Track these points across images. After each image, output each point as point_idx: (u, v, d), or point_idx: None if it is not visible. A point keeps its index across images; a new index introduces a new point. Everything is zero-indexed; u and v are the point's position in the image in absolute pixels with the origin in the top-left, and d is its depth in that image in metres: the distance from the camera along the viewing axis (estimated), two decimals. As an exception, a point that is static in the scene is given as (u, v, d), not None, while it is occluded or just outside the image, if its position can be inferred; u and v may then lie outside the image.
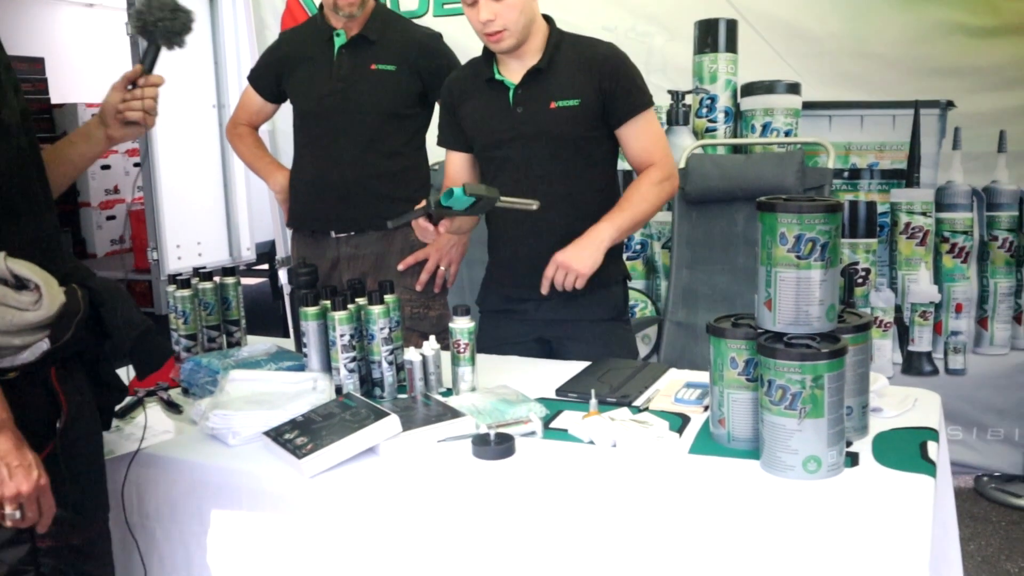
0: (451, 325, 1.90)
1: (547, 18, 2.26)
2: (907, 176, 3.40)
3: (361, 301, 1.90)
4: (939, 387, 1.90)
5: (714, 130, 3.59)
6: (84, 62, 8.05)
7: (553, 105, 2.19)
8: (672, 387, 1.89)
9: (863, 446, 1.57)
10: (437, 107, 2.49)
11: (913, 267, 3.45)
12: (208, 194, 5.66)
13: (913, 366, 3.51)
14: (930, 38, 3.25)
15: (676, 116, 3.64)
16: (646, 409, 1.79)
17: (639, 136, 2.23)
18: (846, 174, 3.45)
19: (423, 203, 1.95)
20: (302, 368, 1.97)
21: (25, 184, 1.42)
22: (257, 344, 2.16)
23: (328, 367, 1.90)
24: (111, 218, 6.94)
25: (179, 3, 1.66)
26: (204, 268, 2.23)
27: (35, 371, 1.33)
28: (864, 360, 1.60)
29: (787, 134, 3.46)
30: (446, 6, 3.69)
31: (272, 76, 2.73)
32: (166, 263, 5.36)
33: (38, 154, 1.47)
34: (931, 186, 3.38)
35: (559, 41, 2.23)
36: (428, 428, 1.65)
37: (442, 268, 2.62)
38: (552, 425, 1.72)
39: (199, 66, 5.50)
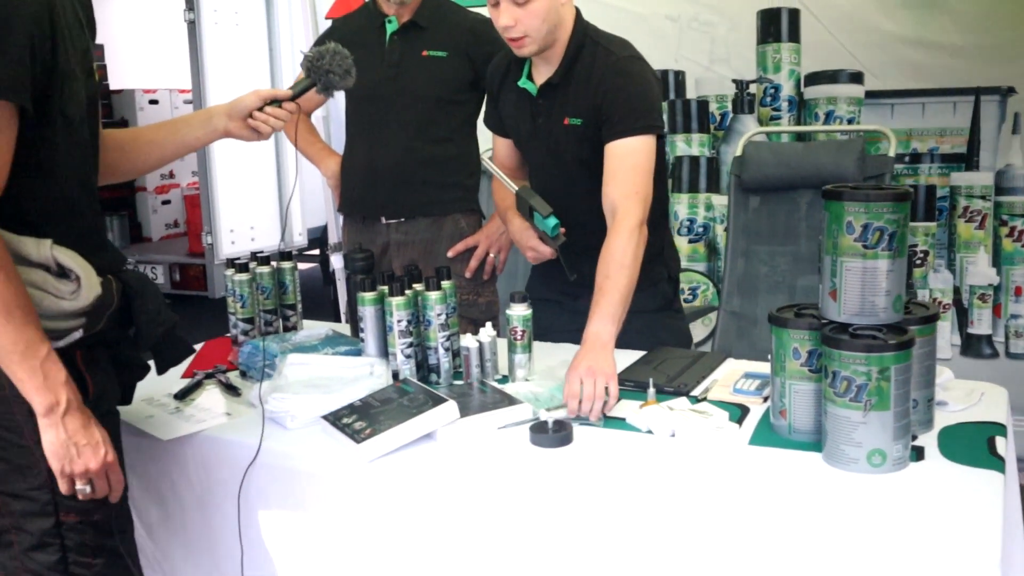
0: (508, 312, 1.90)
1: (576, 11, 2.12)
2: (967, 160, 3.38)
3: (418, 287, 1.90)
4: (1000, 371, 1.87)
5: (778, 118, 3.58)
6: (141, 49, 8.19)
7: (566, 122, 2.11)
8: (730, 377, 1.87)
9: (928, 440, 1.54)
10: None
11: (972, 250, 3.41)
12: (261, 180, 5.73)
13: (972, 348, 3.44)
14: (991, 26, 3.21)
15: (741, 105, 3.63)
16: (704, 399, 1.77)
17: (611, 162, 2.01)
18: (907, 158, 3.43)
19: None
20: (357, 352, 1.98)
21: (85, 179, 1.46)
22: (313, 328, 2.18)
23: (385, 352, 1.91)
24: (166, 203, 7.05)
25: (352, 65, 1.80)
26: (261, 252, 2.25)
27: (62, 354, 1.36)
28: (931, 352, 1.57)
29: (850, 122, 3.43)
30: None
31: None
32: (220, 247, 5.44)
33: (97, 144, 1.50)
34: (991, 170, 3.35)
35: (580, 47, 2.08)
36: (486, 415, 1.65)
37: (491, 255, 2.61)
38: (610, 414, 1.71)
39: (254, 52, 5.56)
